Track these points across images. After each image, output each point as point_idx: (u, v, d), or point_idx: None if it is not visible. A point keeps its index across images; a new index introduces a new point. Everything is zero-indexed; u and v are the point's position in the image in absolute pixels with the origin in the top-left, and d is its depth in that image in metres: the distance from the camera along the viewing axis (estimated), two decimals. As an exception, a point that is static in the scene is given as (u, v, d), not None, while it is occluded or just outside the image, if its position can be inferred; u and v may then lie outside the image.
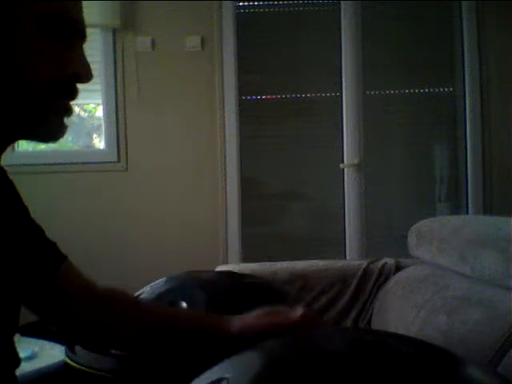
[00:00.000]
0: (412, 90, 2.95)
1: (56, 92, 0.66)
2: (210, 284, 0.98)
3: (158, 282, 1.07)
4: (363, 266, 1.67)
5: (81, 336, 0.90)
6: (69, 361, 0.98)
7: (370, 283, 1.65)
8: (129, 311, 0.87)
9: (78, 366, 0.95)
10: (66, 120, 0.70)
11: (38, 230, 0.84)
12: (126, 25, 2.77)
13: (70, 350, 1.00)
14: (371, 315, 1.61)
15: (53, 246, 0.85)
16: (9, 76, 0.63)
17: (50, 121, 0.68)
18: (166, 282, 1.03)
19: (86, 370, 0.94)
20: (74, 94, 0.69)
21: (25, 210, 0.81)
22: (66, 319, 0.86)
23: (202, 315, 0.88)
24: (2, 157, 0.73)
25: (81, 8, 0.69)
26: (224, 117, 2.81)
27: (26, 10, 0.63)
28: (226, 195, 2.81)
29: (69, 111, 0.70)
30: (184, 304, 0.94)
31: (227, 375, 0.58)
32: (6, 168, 0.76)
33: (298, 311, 0.81)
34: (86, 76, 0.68)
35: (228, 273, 1.26)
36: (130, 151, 2.81)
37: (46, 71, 0.65)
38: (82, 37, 0.70)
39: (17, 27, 0.62)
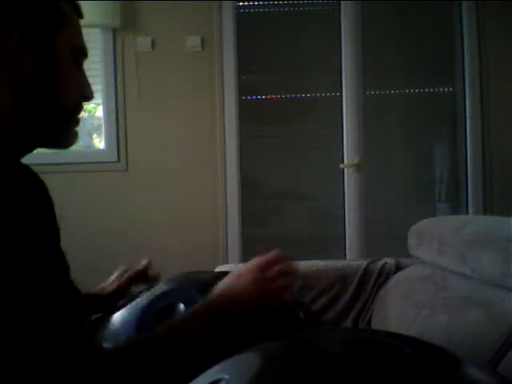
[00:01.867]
0: (412, 90, 2.95)
1: (77, 109, 0.82)
2: (208, 286, 0.97)
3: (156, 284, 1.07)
4: (363, 266, 1.67)
5: None
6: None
7: (370, 283, 1.64)
8: None
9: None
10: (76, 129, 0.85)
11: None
12: (126, 25, 2.77)
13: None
14: (371, 315, 1.60)
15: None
16: (46, 95, 0.77)
17: (70, 132, 0.83)
18: (164, 285, 1.02)
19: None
20: (82, 109, 0.85)
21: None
22: None
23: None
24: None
25: None
26: (224, 117, 2.81)
27: (61, 45, 0.77)
28: (226, 195, 2.81)
29: (79, 122, 0.84)
30: (182, 306, 0.94)
31: (225, 376, 0.58)
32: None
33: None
34: (92, 97, 0.85)
35: (227, 273, 1.26)
36: (130, 151, 2.81)
37: (74, 92, 0.80)
38: (86, 58, 0.84)
39: (54, 58, 0.77)
